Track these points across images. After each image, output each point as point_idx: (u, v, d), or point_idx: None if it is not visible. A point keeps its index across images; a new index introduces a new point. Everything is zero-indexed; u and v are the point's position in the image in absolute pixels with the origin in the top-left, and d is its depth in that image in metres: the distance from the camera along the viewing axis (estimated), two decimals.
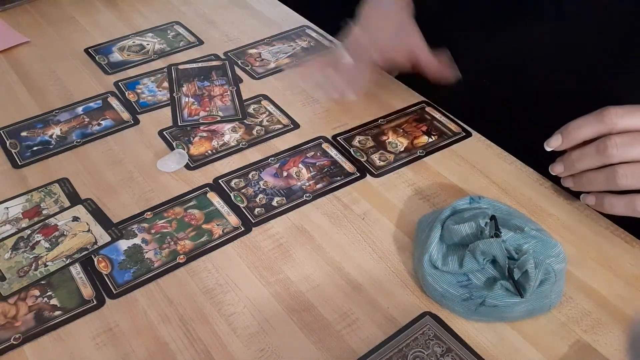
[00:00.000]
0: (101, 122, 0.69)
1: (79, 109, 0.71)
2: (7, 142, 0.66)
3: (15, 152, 0.65)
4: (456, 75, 0.68)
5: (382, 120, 0.70)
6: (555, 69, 0.66)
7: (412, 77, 0.84)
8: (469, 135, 0.68)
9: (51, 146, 0.66)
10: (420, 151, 0.66)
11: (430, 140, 0.67)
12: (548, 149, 0.55)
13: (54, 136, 0.67)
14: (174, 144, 0.66)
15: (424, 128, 0.69)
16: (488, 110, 0.71)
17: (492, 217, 0.49)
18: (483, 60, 0.72)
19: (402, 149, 0.66)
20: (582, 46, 0.62)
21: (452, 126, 0.69)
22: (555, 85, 0.66)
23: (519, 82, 0.70)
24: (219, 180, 0.62)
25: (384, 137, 0.67)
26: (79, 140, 0.66)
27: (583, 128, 0.52)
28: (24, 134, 0.67)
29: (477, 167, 0.64)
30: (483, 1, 0.72)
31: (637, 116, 0.50)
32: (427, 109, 0.72)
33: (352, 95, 0.69)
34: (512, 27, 0.68)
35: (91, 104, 0.71)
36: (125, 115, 0.70)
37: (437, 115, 0.71)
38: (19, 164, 0.64)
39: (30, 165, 0.63)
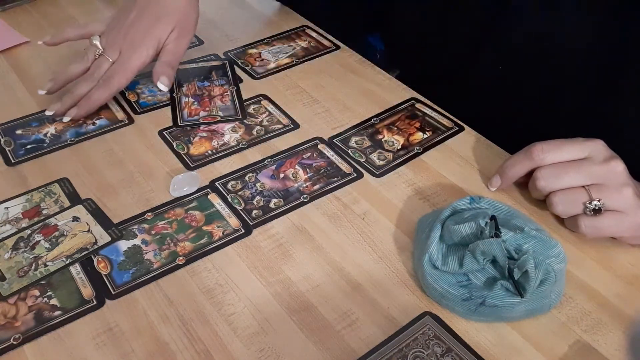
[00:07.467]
0: (96, 121, 0.69)
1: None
2: (2, 140, 0.66)
3: (9, 150, 0.65)
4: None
5: (375, 119, 0.70)
6: (571, 61, 0.65)
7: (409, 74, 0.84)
8: (462, 129, 0.68)
9: (45, 144, 0.66)
10: (417, 148, 0.66)
11: (425, 136, 0.67)
12: (492, 189, 0.61)
13: (48, 134, 0.67)
14: (174, 144, 0.66)
15: (418, 124, 0.69)
16: (491, 109, 0.71)
17: (492, 217, 0.49)
18: (502, 46, 0.70)
19: (400, 147, 0.66)
20: (601, 38, 0.62)
21: (445, 121, 0.70)
22: (570, 80, 0.65)
23: (536, 72, 0.68)
24: (216, 183, 0.61)
25: (380, 136, 0.67)
26: (72, 139, 0.67)
27: (516, 166, 0.58)
28: (19, 132, 0.68)
29: (478, 167, 0.64)
30: None
31: (560, 150, 0.55)
32: (417, 105, 0.72)
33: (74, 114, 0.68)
34: (531, 15, 0.67)
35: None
36: (120, 115, 0.70)
37: (428, 111, 0.71)
38: (12, 161, 0.64)
39: (24, 163, 0.63)
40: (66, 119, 0.68)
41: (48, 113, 0.68)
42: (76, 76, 0.70)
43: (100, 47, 0.70)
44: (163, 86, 0.69)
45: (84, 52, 0.71)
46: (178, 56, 0.71)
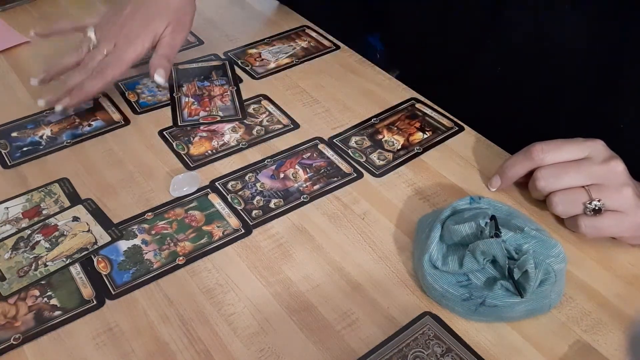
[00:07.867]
0: (92, 122, 0.69)
1: (70, 110, 0.70)
2: None
3: (5, 153, 0.65)
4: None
5: (375, 119, 0.70)
6: (571, 61, 0.65)
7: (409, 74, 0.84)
8: (461, 129, 0.68)
9: (41, 147, 0.66)
10: (417, 148, 0.66)
11: (425, 136, 0.67)
12: (492, 189, 0.61)
13: (44, 137, 0.67)
14: (174, 144, 0.66)
15: (418, 124, 0.69)
16: (491, 109, 0.71)
17: (492, 217, 0.49)
18: (501, 46, 0.70)
19: (400, 147, 0.66)
20: (600, 38, 0.61)
21: (445, 121, 0.70)
22: (570, 80, 0.65)
23: (536, 72, 0.68)
24: (216, 183, 0.61)
25: (380, 136, 0.67)
26: (69, 141, 0.66)
27: (516, 166, 0.58)
28: (14, 134, 0.67)
29: (478, 167, 0.64)
30: None
31: (559, 150, 0.55)
32: (417, 105, 0.72)
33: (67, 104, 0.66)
34: (531, 16, 0.66)
35: (82, 105, 0.71)
36: (117, 116, 0.70)
37: (428, 111, 0.71)
38: (9, 164, 0.64)
39: (20, 166, 0.63)
40: (58, 108, 0.66)
41: (40, 103, 0.67)
42: (69, 67, 0.69)
43: (95, 40, 0.69)
44: (160, 78, 0.68)
45: (78, 44, 0.70)
46: (174, 49, 0.70)
